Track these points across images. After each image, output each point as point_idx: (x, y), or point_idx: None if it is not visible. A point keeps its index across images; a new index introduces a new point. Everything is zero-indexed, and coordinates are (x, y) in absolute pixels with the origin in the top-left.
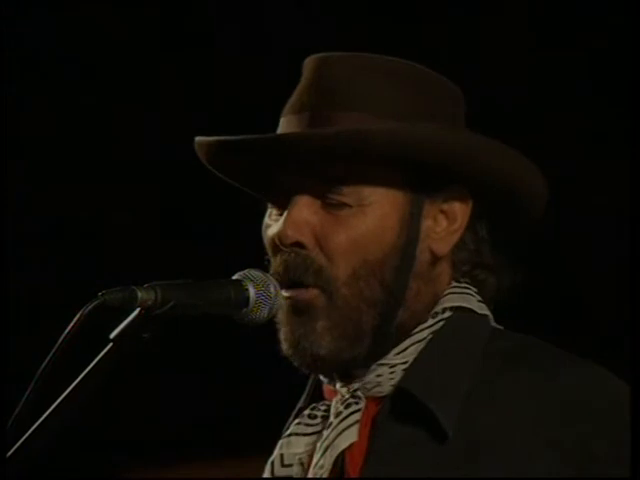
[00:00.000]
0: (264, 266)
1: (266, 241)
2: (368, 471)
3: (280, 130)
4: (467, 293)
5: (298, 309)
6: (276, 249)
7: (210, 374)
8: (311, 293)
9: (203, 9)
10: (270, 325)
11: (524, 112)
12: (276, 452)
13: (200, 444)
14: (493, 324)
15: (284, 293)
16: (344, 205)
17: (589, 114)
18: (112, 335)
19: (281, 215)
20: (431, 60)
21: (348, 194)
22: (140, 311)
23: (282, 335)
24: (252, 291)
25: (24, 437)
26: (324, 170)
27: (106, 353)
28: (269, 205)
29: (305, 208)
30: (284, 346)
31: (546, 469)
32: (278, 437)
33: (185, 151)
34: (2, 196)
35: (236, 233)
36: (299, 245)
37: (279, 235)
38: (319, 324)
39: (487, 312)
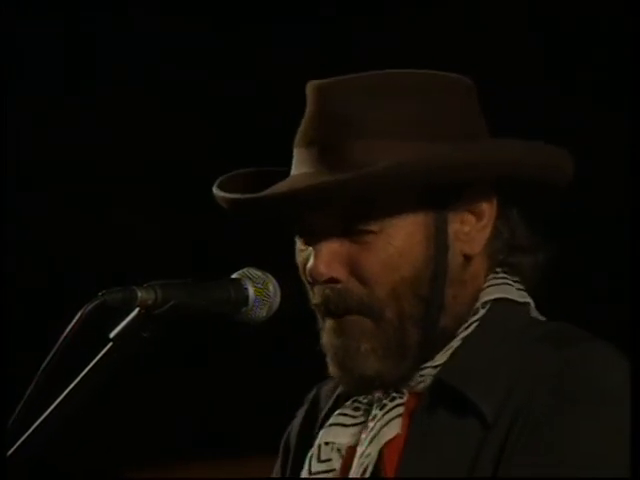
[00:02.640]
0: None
1: (300, 269)
2: (405, 462)
3: (294, 165)
4: (505, 283)
5: (341, 330)
6: (311, 282)
7: (210, 374)
8: (358, 319)
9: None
10: (270, 325)
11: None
12: (316, 442)
13: (200, 444)
14: (534, 312)
15: (328, 320)
16: (368, 232)
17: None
18: (112, 335)
19: (307, 244)
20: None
21: (370, 222)
22: (140, 311)
23: (329, 359)
24: (251, 290)
25: (24, 437)
26: (344, 210)
27: (106, 353)
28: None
29: (332, 241)
30: (332, 369)
31: None
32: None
33: (185, 151)
34: (2, 196)
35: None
36: (333, 280)
37: (312, 273)
38: (363, 346)
39: (528, 299)
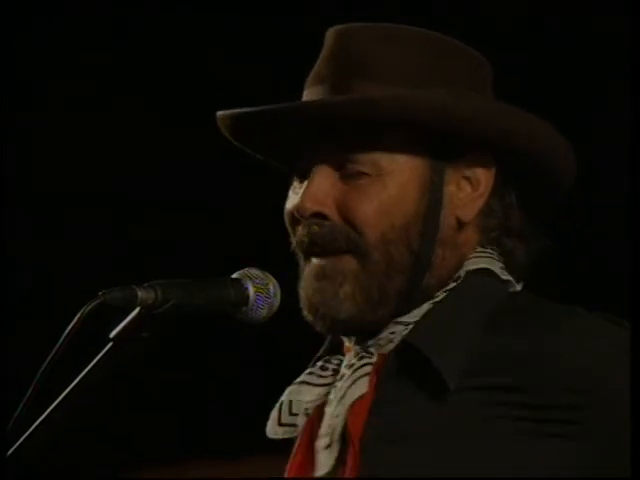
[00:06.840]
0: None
1: (285, 214)
2: (370, 424)
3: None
4: (491, 257)
5: (322, 274)
6: (295, 221)
7: (209, 374)
8: (343, 259)
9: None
10: (270, 325)
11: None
12: (284, 397)
13: (200, 444)
14: (516, 288)
15: (313, 260)
16: (363, 174)
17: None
18: (112, 334)
19: (300, 185)
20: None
21: (366, 163)
22: (140, 310)
23: (301, 301)
24: (252, 290)
25: (24, 437)
26: (339, 139)
27: (106, 352)
28: (293, 178)
29: (324, 179)
30: (303, 311)
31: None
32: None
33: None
34: (1, 196)
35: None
36: (320, 216)
37: (298, 207)
38: (342, 290)
39: (509, 278)
